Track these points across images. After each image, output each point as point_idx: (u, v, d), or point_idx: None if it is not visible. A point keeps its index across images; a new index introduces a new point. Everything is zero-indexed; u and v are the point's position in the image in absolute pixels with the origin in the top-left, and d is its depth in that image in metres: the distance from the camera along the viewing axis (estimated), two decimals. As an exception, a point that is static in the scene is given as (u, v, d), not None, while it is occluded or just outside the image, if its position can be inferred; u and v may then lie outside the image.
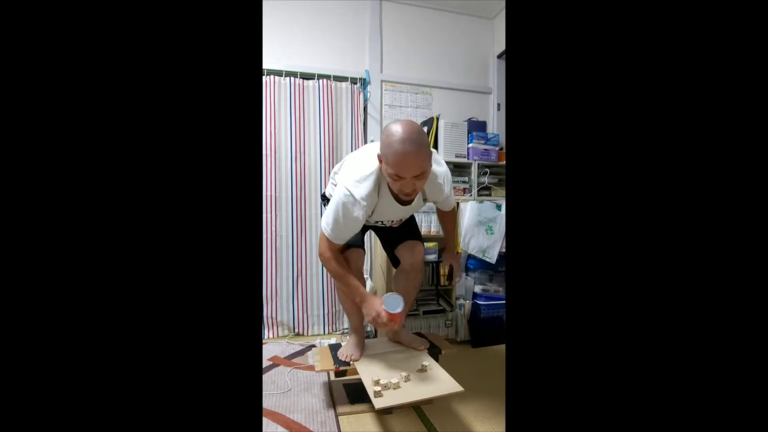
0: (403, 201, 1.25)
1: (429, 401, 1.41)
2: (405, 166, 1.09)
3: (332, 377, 1.56)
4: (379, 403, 1.14)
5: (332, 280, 1.89)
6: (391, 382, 1.22)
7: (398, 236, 1.52)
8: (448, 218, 1.60)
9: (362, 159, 1.28)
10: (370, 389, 1.19)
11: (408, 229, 1.52)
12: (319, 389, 1.57)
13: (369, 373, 1.31)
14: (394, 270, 1.63)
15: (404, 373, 1.27)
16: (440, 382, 1.26)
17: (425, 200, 1.38)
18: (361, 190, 1.20)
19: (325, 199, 1.46)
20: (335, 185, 1.35)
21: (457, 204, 2.20)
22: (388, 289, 1.78)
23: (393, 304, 1.24)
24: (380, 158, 1.16)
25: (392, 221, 1.43)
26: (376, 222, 1.39)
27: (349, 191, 1.19)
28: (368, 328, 2.13)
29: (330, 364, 1.42)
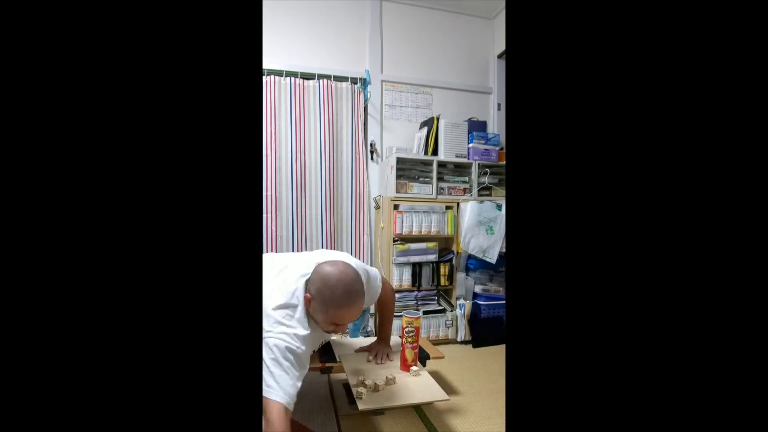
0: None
1: (428, 403, 1.41)
2: (348, 316, 1.06)
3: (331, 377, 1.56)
4: (362, 405, 1.13)
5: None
6: (376, 383, 1.22)
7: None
8: (383, 298, 1.39)
9: (281, 292, 1.09)
10: (354, 390, 1.19)
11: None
12: (319, 389, 1.58)
13: (355, 373, 1.31)
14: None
15: (390, 376, 1.27)
16: (426, 389, 1.26)
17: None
18: (297, 330, 1.03)
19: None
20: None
21: (458, 204, 2.20)
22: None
23: (325, 354, 1.25)
24: (309, 301, 1.05)
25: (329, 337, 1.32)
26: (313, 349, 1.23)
27: (285, 340, 0.99)
28: (369, 328, 2.13)
29: (314, 362, 1.41)
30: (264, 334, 1.00)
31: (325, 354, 1.45)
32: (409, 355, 1.33)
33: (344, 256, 1.22)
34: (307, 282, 1.08)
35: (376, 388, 1.22)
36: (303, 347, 1.01)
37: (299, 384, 0.98)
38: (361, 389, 1.19)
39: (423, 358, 1.50)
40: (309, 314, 1.08)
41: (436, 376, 1.71)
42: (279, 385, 0.93)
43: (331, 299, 1.02)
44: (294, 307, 1.05)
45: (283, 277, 1.13)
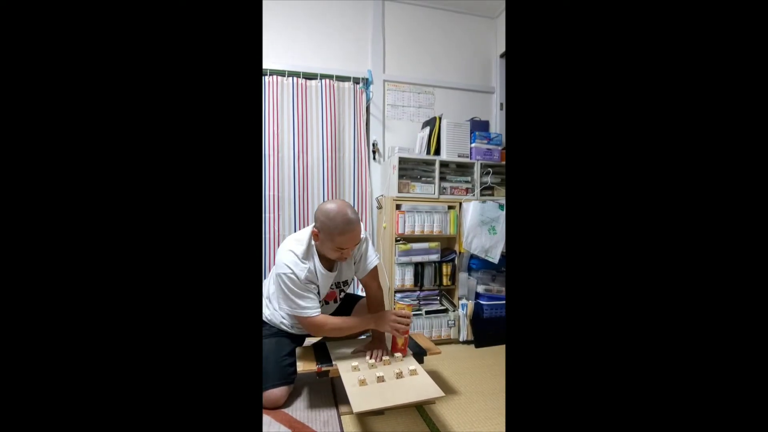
0: (331, 267, 1.45)
1: (429, 402, 1.41)
2: (350, 239, 1.31)
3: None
4: (357, 407, 1.13)
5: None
6: (375, 376, 1.26)
7: (352, 303, 1.69)
8: (369, 283, 1.56)
9: (289, 247, 1.40)
10: (350, 390, 1.20)
11: (349, 277, 1.58)
12: (321, 389, 1.58)
13: (351, 375, 1.31)
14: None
15: (380, 374, 1.28)
16: (422, 386, 1.26)
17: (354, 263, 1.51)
18: (300, 269, 1.35)
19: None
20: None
21: (460, 204, 2.20)
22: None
23: (321, 358, 1.44)
24: (316, 235, 1.36)
25: (334, 296, 1.57)
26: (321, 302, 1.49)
27: (287, 273, 1.34)
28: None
29: (312, 365, 1.42)
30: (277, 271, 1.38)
31: (321, 357, 1.46)
32: (399, 340, 1.46)
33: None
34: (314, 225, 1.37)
35: (380, 380, 1.25)
36: (304, 265, 1.35)
37: (314, 298, 1.39)
38: (358, 383, 1.22)
39: (420, 354, 1.50)
40: (316, 250, 1.40)
41: (438, 375, 1.71)
42: (300, 306, 1.36)
43: (333, 227, 1.29)
44: (302, 243, 1.38)
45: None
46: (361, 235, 1.42)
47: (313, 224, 1.38)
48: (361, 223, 1.39)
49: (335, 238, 1.30)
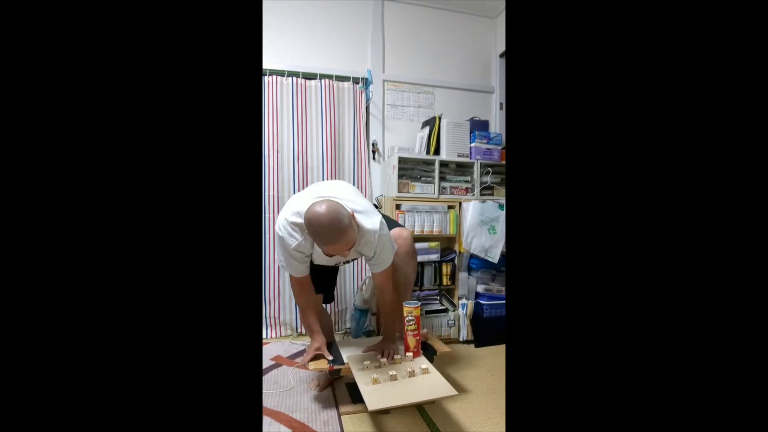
0: None
1: (431, 402, 1.41)
2: (333, 249, 1.24)
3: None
4: (371, 405, 1.14)
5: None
6: (388, 374, 1.26)
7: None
8: (382, 284, 1.48)
9: (293, 205, 1.38)
10: (364, 389, 1.20)
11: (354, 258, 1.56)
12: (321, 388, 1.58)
13: (363, 373, 1.31)
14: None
15: (392, 372, 1.28)
16: (434, 385, 1.26)
17: (359, 253, 1.44)
18: (290, 231, 1.34)
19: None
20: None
21: (460, 204, 2.20)
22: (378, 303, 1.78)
23: (336, 361, 1.42)
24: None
25: (338, 262, 1.54)
26: (321, 264, 1.48)
27: (280, 232, 1.35)
28: (371, 328, 2.13)
29: (323, 364, 1.42)
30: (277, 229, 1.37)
31: (332, 356, 1.46)
32: (411, 342, 1.44)
33: (341, 192, 1.39)
34: None
35: (393, 378, 1.26)
36: (295, 240, 1.32)
37: (296, 263, 1.38)
38: (371, 381, 1.23)
39: (430, 354, 1.50)
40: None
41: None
42: (292, 265, 1.38)
43: (314, 236, 1.25)
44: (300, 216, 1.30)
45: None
46: (373, 239, 1.34)
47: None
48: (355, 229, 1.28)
49: (318, 244, 1.27)
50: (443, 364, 1.83)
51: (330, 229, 1.19)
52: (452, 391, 1.21)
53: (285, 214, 1.37)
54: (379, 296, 1.56)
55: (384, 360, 1.40)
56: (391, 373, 1.28)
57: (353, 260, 1.61)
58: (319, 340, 1.48)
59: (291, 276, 1.44)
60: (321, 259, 1.42)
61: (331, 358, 1.43)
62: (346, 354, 1.50)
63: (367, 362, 1.37)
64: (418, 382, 1.28)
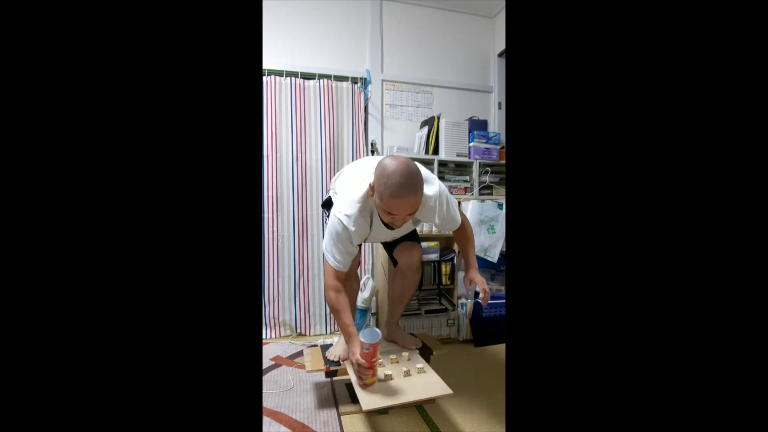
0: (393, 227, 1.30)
1: (431, 401, 1.42)
2: (399, 207, 1.13)
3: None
4: (366, 405, 1.14)
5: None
6: (384, 374, 1.25)
7: (397, 239, 1.53)
8: (459, 236, 1.51)
9: (356, 179, 1.30)
10: (359, 389, 1.21)
11: (406, 233, 1.52)
12: (321, 389, 1.58)
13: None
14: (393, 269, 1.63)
15: (388, 372, 1.28)
16: (430, 384, 1.26)
17: (417, 222, 1.40)
18: (351, 219, 1.24)
19: (325, 207, 1.47)
20: (335, 193, 1.40)
21: (459, 204, 2.20)
22: (389, 288, 1.78)
23: (371, 336, 1.25)
24: (372, 189, 1.19)
25: (393, 237, 1.47)
26: (376, 242, 1.45)
27: (340, 220, 1.25)
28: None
29: (320, 364, 1.42)
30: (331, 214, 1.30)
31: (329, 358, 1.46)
32: (367, 362, 1.24)
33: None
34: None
35: (389, 378, 1.26)
36: (353, 229, 1.24)
37: (348, 257, 1.29)
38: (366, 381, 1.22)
39: (427, 354, 1.51)
40: (371, 207, 1.27)
41: (438, 374, 1.71)
42: (333, 255, 1.28)
43: (385, 187, 1.12)
44: (357, 202, 1.25)
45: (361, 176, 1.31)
46: (434, 202, 1.28)
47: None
48: (435, 189, 1.26)
49: (385, 200, 1.14)
50: (443, 363, 1.83)
51: (406, 178, 1.10)
52: (447, 390, 1.21)
53: (340, 207, 1.27)
54: (463, 238, 1.51)
55: (380, 359, 1.32)
56: (386, 372, 1.28)
57: (407, 233, 1.51)
58: (359, 345, 1.27)
59: (332, 273, 1.31)
60: (377, 235, 1.35)
61: (371, 371, 1.26)
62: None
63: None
64: (414, 381, 1.28)
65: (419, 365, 1.34)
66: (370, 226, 1.29)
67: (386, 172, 1.12)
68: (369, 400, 1.16)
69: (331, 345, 1.60)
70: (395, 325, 1.56)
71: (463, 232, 1.49)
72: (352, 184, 1.30)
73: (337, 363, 1.43)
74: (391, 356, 1.43)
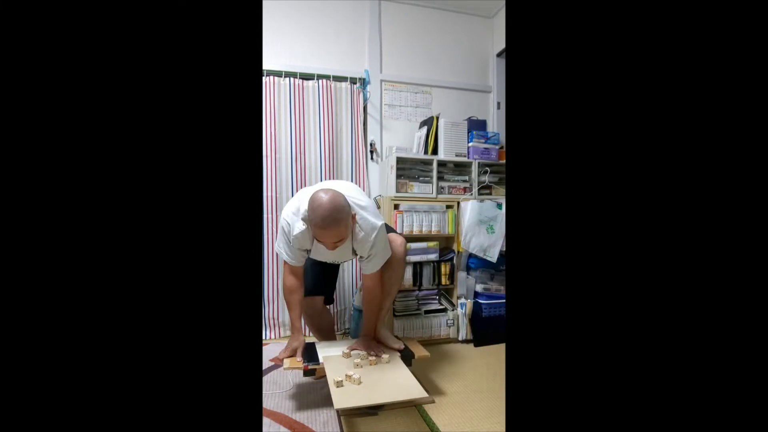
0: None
1: (410, 403, 1.42)
2: (322, 236, 1.29)
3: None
4: (338, 404, 1.18)
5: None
6: (353, 377, 1.29)
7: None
8: (369, 286, 1.53)
9: (304, 194, 1.43)
10: (332, 389, 1.24)
11: (347, 259, 1.62)
12: (321, 389, 1.58)
13: (335, 371, 1.34)
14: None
15: (357, 375, 1.30)
16: (407, 387, 1.28)
17: (354, 253, 1.49)
18: (292, 225, 1.40)
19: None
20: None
21: (458, 204, 2.20)
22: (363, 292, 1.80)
23: (308, 357, 1.45)
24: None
25: (335, 260, 1.59)
26: (320, 260, 1.56)
27: (285, 221, 1.42)
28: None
29: (299, 363, 1.43)
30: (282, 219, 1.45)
31: (309, 356, 1.47)
32: None
33: (347, 188, 1.45)
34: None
35: (358, 381, 1.29)
36: (295, 232, 1.39)
37: (298, 252, 1.45)
38: (340, 378, 1.27)
39: (408, 357, 1.51)
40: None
41: (437, 374, 1.71)
42: (285, 251, 1.45)
43: (313, 217, 1.27)
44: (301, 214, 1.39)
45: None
46: (371, 237, 1.39)
47: None
48: (354, 223, 1.37)
49: (311, 228, 1.31)
50: (442, 363, 1.83)
51: (328, 212, 1.24)
52: (423, 394, 1.24)
53: (290, 205, 1.44)
54: (364, 294, 1.59)
55: (358, 360, 1.42)
56: (360, 374, 1.30)
57: (349, 260, 1.65)
58: (299, 340, 1.53)
59: (288, 268, 1.49)
60: (320, 254, 1.48)
61: (299, 359, 1.46)
62: (323, 354, 1.51)
63: (342, 358, 1.43)
64: (390, 383, 1.29)
65: (397, 369, 1.36)
66: (311, 242, 1.43)
67: (314, 205, 1.27)
68: (341, 399, 1.20)
69: (311, 344, 1.61)
70: (367, 336, 1.57)
71: (375, 282, 1.53)
72: (302, 197, 1.42)
73: (317, 362, 1.45)
74: (371, 358, 1.45)
